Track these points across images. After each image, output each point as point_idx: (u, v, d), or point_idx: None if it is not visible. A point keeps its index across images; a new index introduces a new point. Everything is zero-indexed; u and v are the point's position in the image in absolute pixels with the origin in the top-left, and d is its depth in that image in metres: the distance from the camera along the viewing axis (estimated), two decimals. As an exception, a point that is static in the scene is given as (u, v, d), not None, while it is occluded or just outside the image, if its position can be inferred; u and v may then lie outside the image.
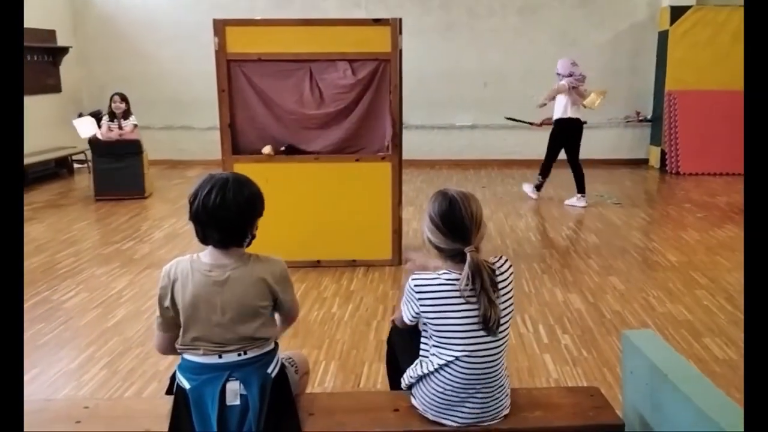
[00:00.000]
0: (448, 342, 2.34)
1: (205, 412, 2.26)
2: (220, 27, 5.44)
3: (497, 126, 10.91)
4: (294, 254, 5.07)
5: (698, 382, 2.22)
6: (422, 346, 2.48)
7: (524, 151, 10.59)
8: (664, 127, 10.57)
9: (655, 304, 4.91)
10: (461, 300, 2.30)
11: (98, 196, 8.55)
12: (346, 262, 5.78)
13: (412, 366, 2.51)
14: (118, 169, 8.53)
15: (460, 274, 2.30)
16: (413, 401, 2.50)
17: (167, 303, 2.31)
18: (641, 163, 11.20)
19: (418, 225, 7.03)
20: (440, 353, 2.37)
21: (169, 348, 2.41)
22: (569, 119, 8.09)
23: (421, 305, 2.35)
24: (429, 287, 2.34)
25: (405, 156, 5.91)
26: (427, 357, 2.44)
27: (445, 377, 2.37)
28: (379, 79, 5.53)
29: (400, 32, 5.47)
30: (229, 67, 5.50)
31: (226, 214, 2.26)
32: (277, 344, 2.47)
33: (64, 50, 10.81)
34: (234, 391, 2.28)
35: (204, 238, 2.32)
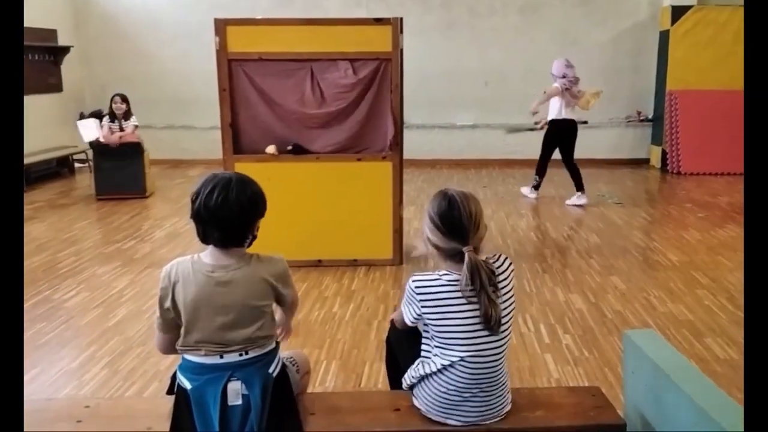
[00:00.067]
0: (451, 343, 2.34)
1: (206, 413, 2.26)
2: (221, 26, 5.44)
3: (498, 125, 10.91)
4: (295, 254, 5.07)
5: (700, 382, 2.22)
6: (423, 346, 2.47)
7: (525, 150, 10.54)
8: (665, 127, 10.56)
9: (656, 303, 4.91)
10: (463, 300, 2.30)
11: (99, 196, 8.55)
12: (347, 261, 5.77)
13: (414, 366, 2.50)
14: (119, 169, 8.53)
15: (460, 274, 2.29)
16: (415, 401, 2.50)
17: (168, 304, 2.31)
18: (642, 162, 11.20)
19: (419, 224, 7.01)
20: (443, 354, 2.36)
21: (170, 348, 2.40)
22: (564, 120, 8.13)
23: (422, 306, 2.34)
24: (430, 288, 2.34)
25: (406, 155, 5.91)
26: (429, 358, 2.43)
27: (449, 378, 2.36)
28: (380, 78, 5.53)
29: (401, 31, 5.47)
30: (230, 66, 5.50)
31: (228, 214, 2.25)
32: (278, 344, 2.47)
33: (66, 49, 10.81)
34: (236, 391, 2.28)
35: (204, 238, 2.31)
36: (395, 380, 2.78)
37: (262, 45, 5.47)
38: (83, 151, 10.37)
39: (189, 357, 2.34)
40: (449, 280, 2.32)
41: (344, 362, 3.99)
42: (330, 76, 5.54)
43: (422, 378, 2.45)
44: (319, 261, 5.73)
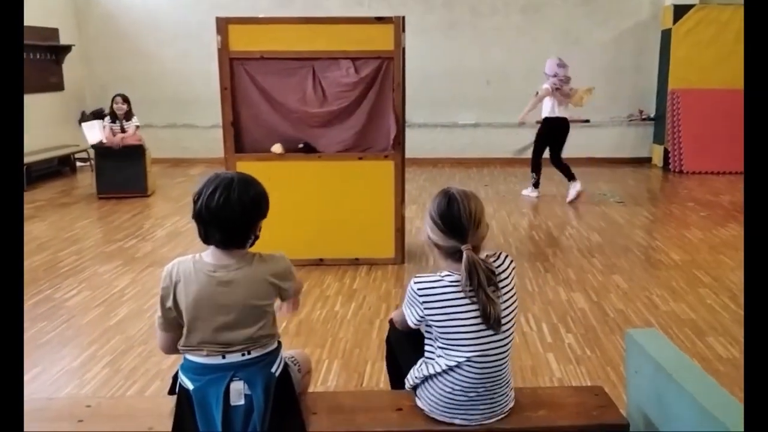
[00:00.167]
0: (456, 344, 2.32)
1: (209, 413, 2.25)
2: (222, 25, 5.43)
3: (500, 124, 10.90)
4: (297, 252, 5.04)
5: (703, 382, 2.21)
6: (426, 347, 2.46)
7: (527, 150, 10.57)
8: (667, 126, 10.55)
9: (658, 302, 4.90)
10: (466, 301, 2.29)
11: (101, 195, 8.55)
12: (349, 260, 5.77)
13: (416, 367, 2.49)
14: (121, 169, 8.52)
15: (462, 276, 2.29)
16: (418, 402, 2.48)
17: (169, 303, 2.30)
18: (644, 161, 11.18)
19: (421, 223, 6.99)
20: (448, 355, 2.35)
21: (172, 348, 2.40)
22: (557, 118, 8.21)
23: (425, 308, 2.33)
24: (433, 290, 2.33)
25: (407, 154, 5.90)
26: (432, 359, 2.42)
27: (454, 378, 2.35)
28: (382, 77, 5.52)
29: (403, 30, 5.45)
30: (231, 65, 5.49)
31: (229, 215, 2.24)
32: (280, 343, 2.46)
33: (67, 48, 10.81)
34: (238, 391, 2.27)
35: (206, 238, 2.30)
36: (396, 380, 2.77)
37: (264, 44, 5.47)
38: (84, 150, 10.37)
39: (191, 357, 2.33)
40: (451, 281, 2.31)
41: (346, 361, 3.98)
42: (332, 74, 5.53)
43: (426, 379, 2.44)
44: (321, 260, 5.72)
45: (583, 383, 3.66)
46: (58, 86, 10.85)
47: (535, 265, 5.78)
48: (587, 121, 10.78)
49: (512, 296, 2.39)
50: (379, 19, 5.49)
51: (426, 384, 2.44)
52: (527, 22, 10.99)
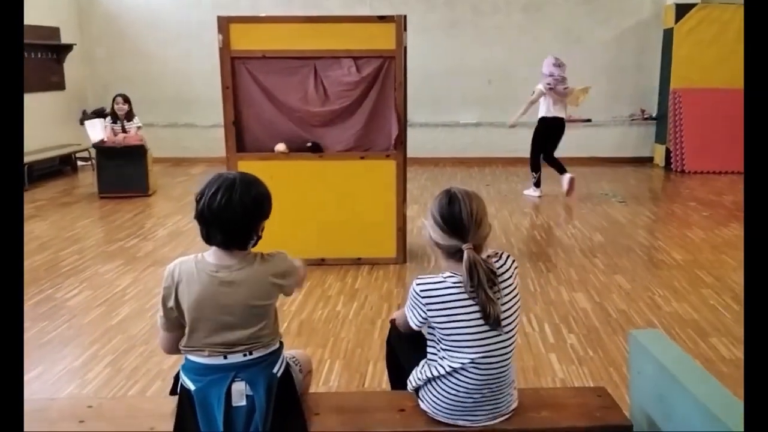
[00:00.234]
0: (459, 346, 2.31)
1: (210, 414, 2.24)
2: (224, 24, 5.42)
3: (502, 123, 10.84)
4: (298, 252, 4.95)
5: (707, 383, 2.20)
6: (429, 349, 2.45)
7: (529, 149, 10.53)
8: (669, 125, 10.53)
9: (661, 303, 4.89)
10: (470, 302, 2.28)
11: (102, 194, 8.54)
12: (351, 260, 5.76)
13: (419, 368, 2.48)
14: (122, 168, 8.51)
15: (463, 277, 2.28)
16: (421, 404, 2.47)
17: (171, 303, 2.29)
18: (646, 161, 11.16)
19: (423, 223, 6.99)
20: (452, 357, 2.33)
21: (174, 347, 2.39)
22: (553, 118, 8.27)
23: (428, 310, 2.32)
24: (436, 291, 2.31)
25: (409, 154, 5.89)
26: (435, 360, 2.40)
27: (458, 381, 2.34)
28: (383, 76, 5.51)
29: (405, 29, 5.44)
30: (233, 64, 5.48)
31: (231, 216, 2.23)
32: (281, 343, 2.45)
33: (68, 48, 10.81)
34: (240, 391, 2.26)
35: (208, 238, 2.29)
36: (397, 381, 2.76)
37: (266, 43, 5.45)
38: (86, 150, 10.36)
39: (192, 358, 2.32)
40: (454, 282, 2.30)
41: (348, 361, 3.98)
42: (333, 73, 5.52)
43: (428, 381, 2.42)
44: (323, 260, 5.71)
45: (585, 384, 3.66)
46: (60, 85, 10.85)
47: (537, 265, 5.77)
48: (589, 120, 10.78)
49: (514, 297, 2.37)
50: (381, 18, 5.48)
51: (429, 386, 2.43)
52: (529, 20, 10.97)
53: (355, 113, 5.57)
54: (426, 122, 10.93)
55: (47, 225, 7.25)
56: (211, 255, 2.32)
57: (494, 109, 10.91)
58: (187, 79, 11.06)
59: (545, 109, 8.27)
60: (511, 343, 2.37)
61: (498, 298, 2.29)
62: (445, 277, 2.32)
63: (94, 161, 9.29)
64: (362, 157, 5.62)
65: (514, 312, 2.37)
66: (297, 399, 2.43)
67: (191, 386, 2.28)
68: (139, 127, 8.71)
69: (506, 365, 2.36)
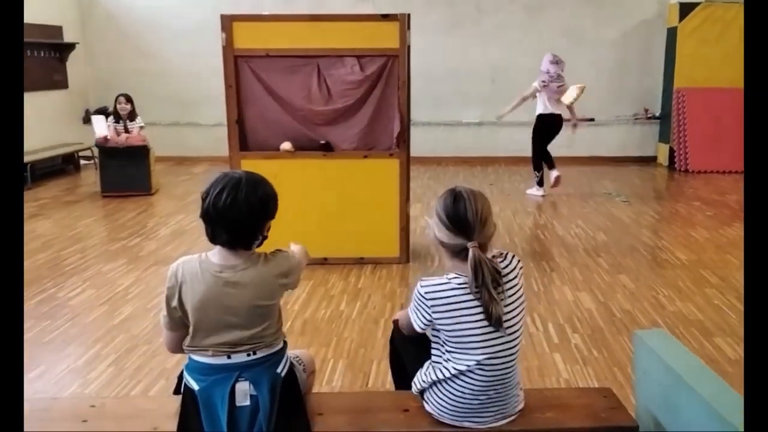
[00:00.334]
0: (465, 348, 2.29)
1: (214, 413, 2.23)
2: (227, 23, 5.41)
3: (504, 123, 10.83)
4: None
5: (714, 384, 2.19)
6: (433, 351, 2.43)
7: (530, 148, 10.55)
8: (672, 125, 10.51)
9: (665, 302, 4.87)
10: (474, 303, 2.26)
11: (105, 193, 8.53)
12: (354, 259, 5.75)
13: (423, 370, 2.46)
14: (125, 167, 8.51)
15: (468, 276, 2.26)
16: (426, 406, 2.45)
17: (175, 303, 2.28)
18: (650, 160, 11.14)
19: (426, 222, 6.97)
20: (457, 359, 2.31)
21: (178, 347, 2.38)
22: (550, 114, 8.31)
23: (434, 312, 2.29)
24: (440, 293, 2.29)
25: (411, 153, 5.87)
26: (440, 363, 2.38)
27: (464, 383, 2.32)
28: (387, 75, 5.50)
29: (409, 28, 5.43)
30: (236, 63, 5.47)
31: (236, 216, 2.22)
32: (285, 343, 2.44)
33: (71, 46, 10.82)
34: (244, 391, 2.25)
35: (213, 238, 2.28)
36: (401, 382, 2.74)
37: (269, 41, 5.44)
38: (89, 149, 10.36)
39: (196, 357, 2.31)
40: (459, 284, 2.28)
41: (351, 361, 3.96)
42: (336, 72, 5.50)
43: (433, 383, 2.41)
44: (325, 259, 5.69)
45: (590, 384, 3.64)
46: (62, 84, 10.85)
47: (541, 265, 5.75)
48: (592, 119, 10.76)
49: (519, 297, 2.35)
50: (385, 17, 5.46)
51: (434, 388, 2.41)
52: (532, 20, 10.95)
53: (358, 112, 5.56)
54: (428, 121, 10.91)
55: (50, 224, 7.25)
56: (215, 255, 2.30)
57: (497, 109, 10.78)
58: (190, 78, 11.06)
59: (542, 106, 8.31)
60: (516, 345, 2.35)
61: (502, 299, 2.27)
62: (449, 279, 2.30)
63: (96, 160, 9.28)
64: (365, 156, 5.61)
65: (519, 313, 2.35)
66: (301, 399, 2.42)
67: (195, 386, 2.27)
68: (141, 127, 8.69)
69: (511, 366, 2.35)
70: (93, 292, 5.14)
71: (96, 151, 9.10)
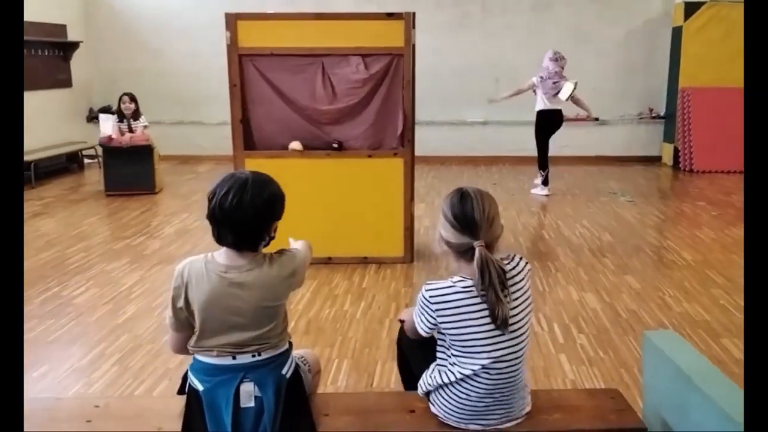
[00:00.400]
0: (470, 351, 2.27)
1: (218, 415, 2.21)
2: (231, 21, 5.40)
3: (509, 122, 10.84)
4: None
5: (724, 385, 2.17)
6: (439, 354, 2.40)
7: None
8: (677, 124, 10.47)
9: (671, 303, 4.84)
10: (480, 306, 2.23)
11: (108, 192, 8.53)
12: (358, 259, 5.72)
13: (429, 373, 2.44)
14: (129, 166, 8.50)
15: (474, 279, 2.23)
16: (432, 408, 2.43)
17: (181, 304, 2.26)
18: (654, 160, 11.10)
19: (430, 222, 7.02)
20: (462, 363, 2.29)
21: (183, 348, 2.36)
22: (549, 111, 8.33)
23: (438, 316, 2.27)
24: (445, 296, 2.26)
25: (416, 152, 5.84)
26: (445, 366, 2.36)
27: (470, 387, 2.30)
28: (392, 74, 5.47)
29: (414, 26, 5.40)
30: (240, 61, 5.45)
31: (242, 217, 2.20)
32: (291, 344, 2.42)
33: (75, 45, 10.81)
34: (248, 392, 2.24)
35: (219, 239, 2.26)
36: (409, 382, 2.72)
37: (273, 40, 5.42)
38: (92, 147, 10.36)
39: (201, 358, 2.29)
40: (464, 287, 2.26)
41: (356, 361, 3.94)
42: (341, 71, 5.48)
43: (439, 387, 2.39)
44: (329, 258, 5.67)
45: (596, 385, 3.62)
46: (66, 83, 10.85)
47: (546, 264, 5.73)
48: (597, 119, 10.73)
49: (526, 300, 2.33)
50: (390, 15, 5.44)
51: (439, 391, 2.39)
52: (537, 19, 10.92)
53: (363, 111, 5.54)
54: (433, 120, 10.88)
55: (54, 222, 7.25)
56: (221, 255, 2.29)
57: (501, 108, 10.80)
58: (194, 77, 11.04)
59: (541, 103, 8.32)
60: (522, 348, 2.32)
61: (507, 301, 2.25)
62: (454, 282, 2.28)
63: (100, 159, 9.28)
64: (370, 156, 5.59)
65: (525, 316, 2.32)
66: (306, 400, 2.40)
67: (199, 386, 2.25)
68: (145, 127, 8.68)
69: (517, 370, 2.32)
70: (97, 291, 5.13)
71: (100, 149, 9.09)
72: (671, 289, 5.11)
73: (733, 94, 9.76)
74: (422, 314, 2.32)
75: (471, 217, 2.26)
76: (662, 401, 2.40)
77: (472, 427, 2.35)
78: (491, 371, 2.27)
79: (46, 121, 9.92)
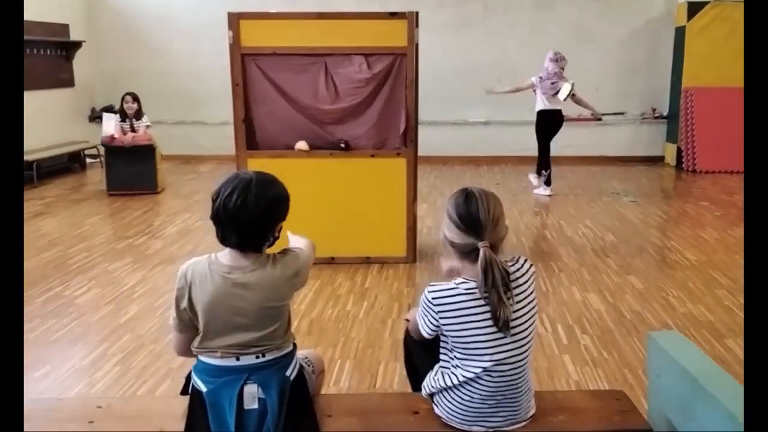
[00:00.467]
0: (472, 354, 2.25)
1: (222, 416, 2.20)
2: (234, 20, 5.39)
3: (511, 122, 10.83)
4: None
5: (729, 387, 2.15)
6: (442, 356, 2.39)
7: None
8: (680, 124, 10.46)
9: (675, 304, 4.83)
10: (482, 309, 2.22)
11: (111, 191, 8.53)
12: (360, 259, 5.71)
13: (432, 375, 2.43)
14: (131, 166, 8.50)
15: (477, 281, 2.22)
16: (436, 410, 2.42)
17: (184, 305, 2.25)
18: (657, 160, 11.08)
19: (432, 222, 7.01)
20: (466, 365, 2.27)
21: (186, 349, 2.35)
22: (549, 111, 8.32)
23: (441, 318, 2.25)
24: (448, 298, 2.25)
25: (418, 152, 5.83)
26: (448, 369, 2.35)
27: (473, 389, 2.28)
28: (395, 73, 5.46)
29: (417, 26, 5.39)
30: (243, 61, 5.44)
31: (246, 218, 2.19)
32: (295, 345, 2.41)
33: (77, 45, 10.81)
34: (252, 394, 2.22)
35: (223, 239, 2.25)
36: (416, 381, 2.70)
37: (276, 39, 5.41)
38: (94, 147, 10.36)
39: (204, 359, 2.28)
40: (467, 289, 2.24)
41: (359, 361, 3.93)
42: (344, 71, 5.47)
43: (442, 389, 2.37)
44: (332, 258, 5.66)
45: (600, 386, 3.60)
46: (69, 82, 10.85)
47: (549, 265, 5.71)
48: (599, 119, 10.70)
49: (530, 302, 2.31)
50: (393, 15, 5.43)
51: (443, 393, 2.37)
52: (540, 18, 10.90)
53: (366, 111, 5.52)
54: (435, 120, 10.86)
55: (56, 222, 7.24)
56: (224, 256, 2.28)
57: (503, 108, 10.83)
58: (197, 76, 11.03)
59: (541, 103, 8.32)
60: (525, 351, 2.30)
61: (510, 304, 2.23)
62: (457, 284, 2.26)
63: (102, 158, 9.28)
64: (372, 156, 5.58)
65: (529, 318, 2.30)
66: (310, 401, 2.39)
67: (203, 387, 2.24)
68: (147, 126, 8.67)
69: (520, 372, 2.30)
70: (99, 291, 5.12)
71: (102, 149, 9.09)
72: (675, 290, 5.10)
73: (737, 94, 9.69)
74: (425, 316, 2.31)
75: (476, 217, 2.24)
76: (667, 402, 2.38)
77: (475, 429, 2.34)
78: (493, 374, 2.25)
79: (49, 121, 9.92)
